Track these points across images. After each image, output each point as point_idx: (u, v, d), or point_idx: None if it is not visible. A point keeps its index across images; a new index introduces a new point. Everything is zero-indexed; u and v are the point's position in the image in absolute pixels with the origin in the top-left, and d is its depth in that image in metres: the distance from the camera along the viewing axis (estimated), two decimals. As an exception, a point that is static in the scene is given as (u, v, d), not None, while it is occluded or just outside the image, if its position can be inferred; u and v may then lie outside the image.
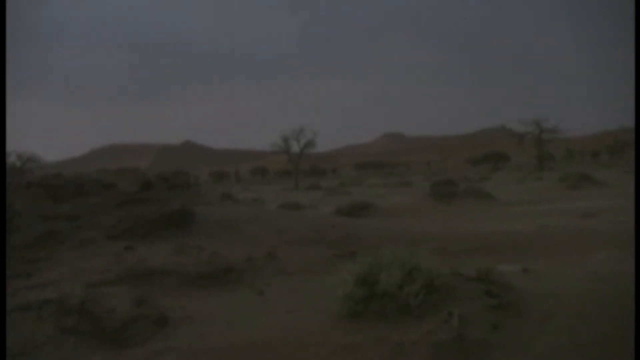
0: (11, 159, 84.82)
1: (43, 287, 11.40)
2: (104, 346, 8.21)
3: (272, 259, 12.60)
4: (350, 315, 7.73)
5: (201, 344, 7.67)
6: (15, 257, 14.18)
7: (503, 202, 32.07)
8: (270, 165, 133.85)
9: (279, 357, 6.92)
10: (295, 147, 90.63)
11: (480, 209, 28.10)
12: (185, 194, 18.65)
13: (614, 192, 33.10)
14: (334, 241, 13.99)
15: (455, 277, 8.45)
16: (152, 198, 16.41)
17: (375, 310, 7.65)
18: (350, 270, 8.21)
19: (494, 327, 6.91)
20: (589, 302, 7.68)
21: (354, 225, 15.93)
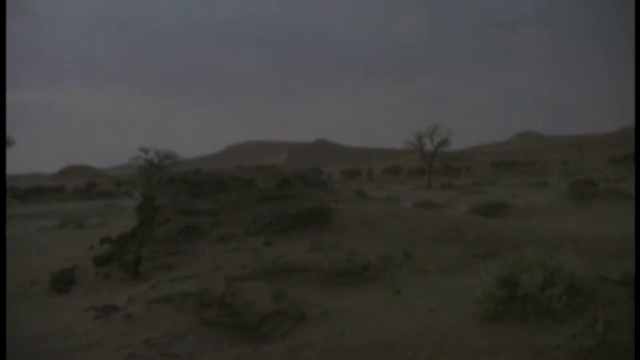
0: (149, 155, 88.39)
1: (184, 279, 11.95)
2: (244, 339, 8.52)
3: (409, 257, 12.63)
4: (489, 317, 7.70)
5: (339, 341, 7.86)
6: (157, 250, 14.87)
7: (647, 204, 30.45)
8: (403, 164, 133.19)
9: (418, 357, 7.00)
10: (428, 146, 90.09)
11: (622, 210, 26.91)
12: (321, 191, 18.94)
13: None
14: (470, 241, 13.85)
15: (599, 280, 8.23)
16: (290, 195, 16.77)
17: (515, 312, 7.58)
18: (490, 271, 8.15)
19: (641, 333, 6.69)
20: None
21: (490, 225, 15.70)
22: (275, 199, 16.49)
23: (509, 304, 7.68)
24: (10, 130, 57.70)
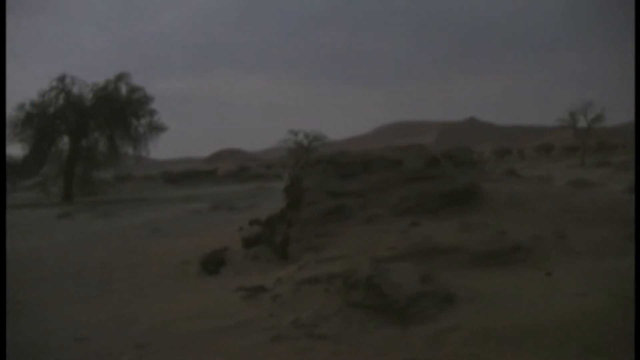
0: (298, 138, 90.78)
1: (331, 261, 12.12)
2: (390, 321, 8.58)
3: (561, 238, 12.19)
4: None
5: (488, 323, 7.78)
6: (304, 232, 15.16)
7: None
8: (555, 141, 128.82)
9: (570, 340, 6.82)
10: (582, 122, 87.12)
11: None
12: (470, 171, 18.65)
13: None
14: (626, 221, 13.13)
15: None
16: (438, 175, 16.62)
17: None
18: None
19: None
20: None
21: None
22: (423, 179, 16.39)
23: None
24: (163, 118, 60.42)
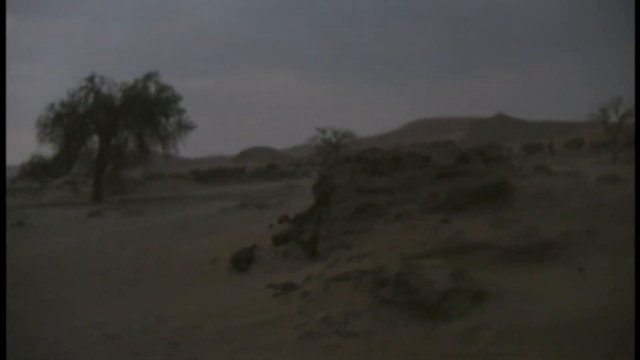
0: (327, 135, 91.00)
1: (361, 258, 12.15)
2: (420, 318, 8.58)
3: (593, 234, 12.04)
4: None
5: (519, 320, 7.75)
6: (334, 229, 15.20)
7: None
8: (586, 137, 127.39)
9: (601, 337, 6.77)
10: (613, 118, 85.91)
11: None
12: (500, 167, 18.56)
13: None
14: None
15: None
16: (468, 171, 16.57)
17: None
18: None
19: None
20: None
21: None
22: (453, 175, 16.34)
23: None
24: (190, 116, 60.66)
